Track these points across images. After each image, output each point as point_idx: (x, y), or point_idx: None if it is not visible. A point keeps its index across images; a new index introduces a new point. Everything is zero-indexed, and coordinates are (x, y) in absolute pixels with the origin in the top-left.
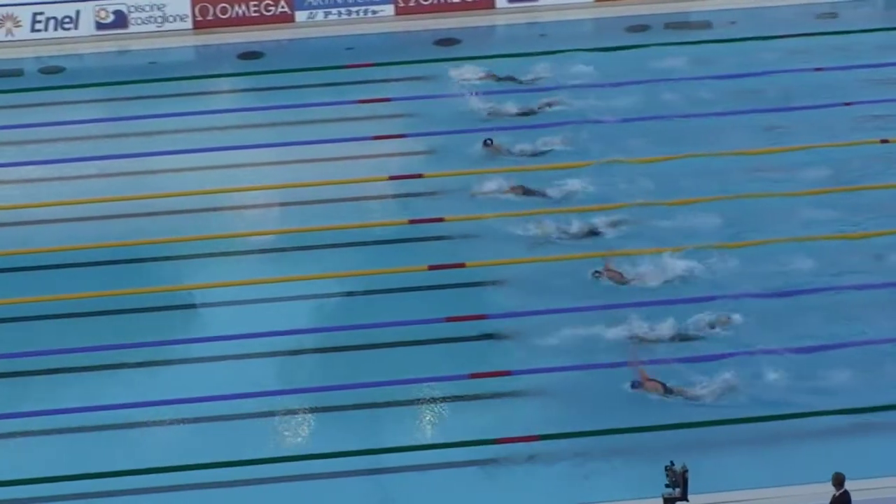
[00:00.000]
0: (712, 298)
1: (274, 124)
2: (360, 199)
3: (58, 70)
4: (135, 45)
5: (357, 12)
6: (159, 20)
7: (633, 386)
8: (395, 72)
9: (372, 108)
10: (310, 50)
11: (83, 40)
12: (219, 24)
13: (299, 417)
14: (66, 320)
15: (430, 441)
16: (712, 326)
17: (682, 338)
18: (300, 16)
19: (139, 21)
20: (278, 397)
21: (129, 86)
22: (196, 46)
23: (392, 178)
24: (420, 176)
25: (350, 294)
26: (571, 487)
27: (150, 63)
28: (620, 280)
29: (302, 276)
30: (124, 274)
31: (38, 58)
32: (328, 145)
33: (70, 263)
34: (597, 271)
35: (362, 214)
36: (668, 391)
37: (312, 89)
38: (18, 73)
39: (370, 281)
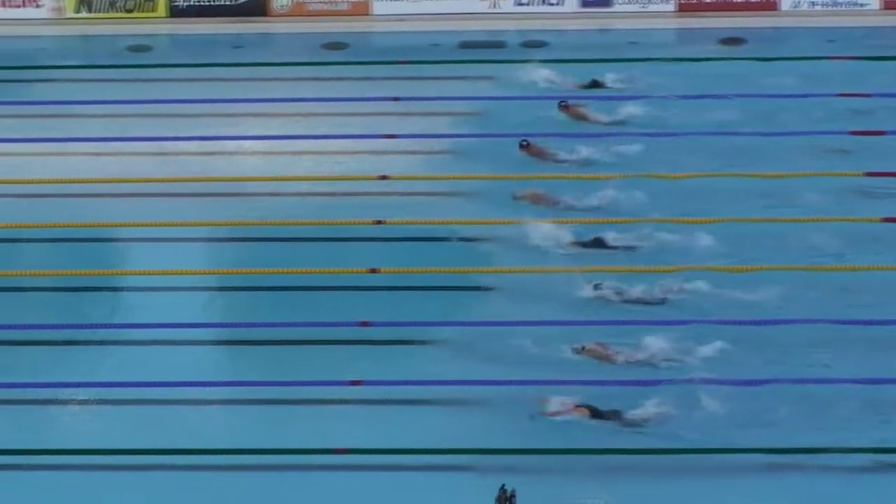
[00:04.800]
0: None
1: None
2: None
3: (540, 44)
4: (617, 24)
5: (842, 4)
6: (643, 1)
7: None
8: (874, 67)
9: (849, 102)
10: (789, 38)
11: (567, 17)
12: (702, 7)
13: None
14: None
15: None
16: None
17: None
18: (785, 3)
19: (624, 0)
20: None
21: (608, 64)
22: (678, 29)
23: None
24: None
25: None
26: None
27: (631, 43)
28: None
29: None
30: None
31: (520, 31)
32: (807, 137)
33: None
34: (598, 284)
35: None
36: (596, 416)
37: (787, 79)
38: (500, 46)
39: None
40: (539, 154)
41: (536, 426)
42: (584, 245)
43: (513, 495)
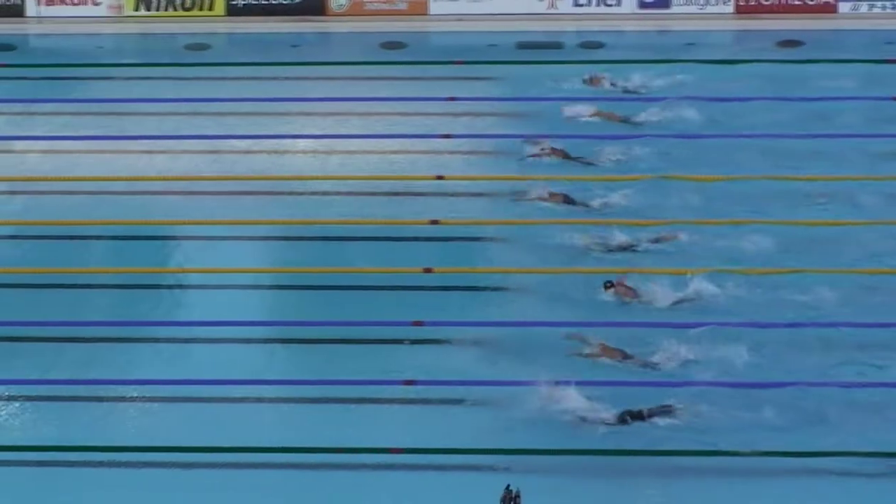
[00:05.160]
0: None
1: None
2: None
3: (597, 45)
4: (675, 26)
5: None
6: (701, 3)
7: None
8: None
9: None
10: (849, 41)
11: (625, 18)
12: (760, 10)
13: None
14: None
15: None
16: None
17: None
18: (843, 7)
19: (681, 2)
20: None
21: (666, 65)
22: (735, 31)
23: None
24: None
25: None
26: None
27: (688, 44)
28: (631, 297)
29: None
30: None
31: (578, 32)
32: (864, 140)
33: None
34: (609, 282)
35: None
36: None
37: (844, 81)
38: (558, 46)
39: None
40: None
41: (587, 430)
42: (621, 249)
43: (517, 495)
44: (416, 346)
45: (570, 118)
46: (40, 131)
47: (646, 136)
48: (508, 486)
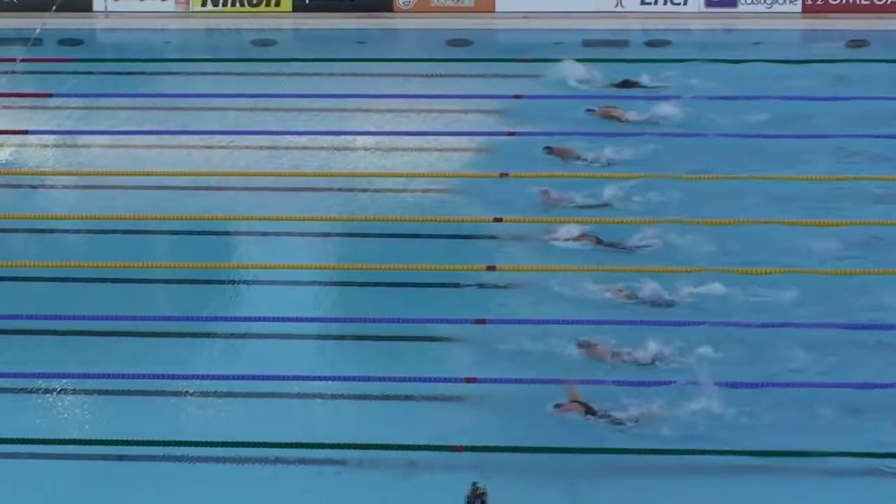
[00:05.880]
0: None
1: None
2: None
3: (664, 43)
4: (742, 25)
5: None
6: (769, 1)
7: (556, 407)
8: None
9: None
10: None
11: (692, 16)
12: (827, 9)
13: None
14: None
15: None
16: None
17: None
18: None
19: (748, 1)
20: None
21: (733, 65)
22: (802, 31)
23: None
24: None
25: None
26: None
27: (755, 44)
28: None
29: None
30: None
31: (644, 30)
32: None
33: None
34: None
35: None
36: (590, 413)
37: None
38: (623, 45)
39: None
40: (563, 154)
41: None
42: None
43: (483, 493)
44: (478, 343)
45: (623, 121)
46: (105, 126)
47: (710, 135)
48: (475, 483)
